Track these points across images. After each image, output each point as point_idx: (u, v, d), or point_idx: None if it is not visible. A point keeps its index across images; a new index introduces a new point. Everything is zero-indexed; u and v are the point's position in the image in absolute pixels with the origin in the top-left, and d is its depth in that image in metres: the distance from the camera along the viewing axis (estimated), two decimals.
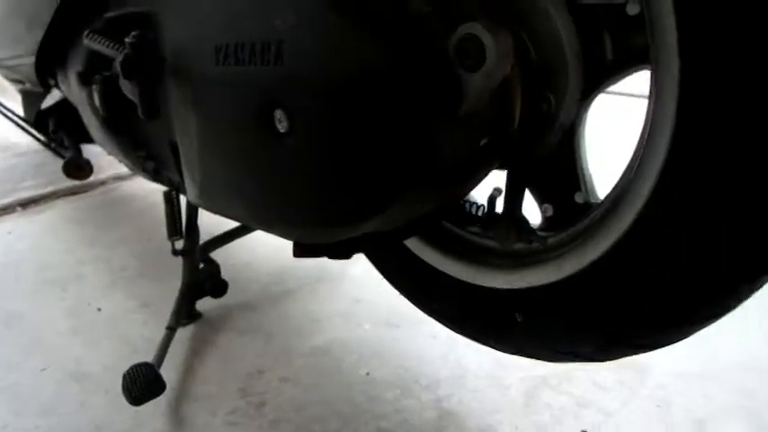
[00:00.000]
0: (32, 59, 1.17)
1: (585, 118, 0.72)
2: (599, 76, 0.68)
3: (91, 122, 1.13)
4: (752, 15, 0.46)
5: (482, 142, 0.65)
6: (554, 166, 0.74)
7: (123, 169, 2.12)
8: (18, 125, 1.52)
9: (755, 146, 0.49)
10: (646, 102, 0.60)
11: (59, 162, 1.49)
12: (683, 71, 0.52)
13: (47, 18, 1.01)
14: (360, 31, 0.57)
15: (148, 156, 1.10)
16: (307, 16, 0.59)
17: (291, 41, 0.61)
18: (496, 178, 0.76)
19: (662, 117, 0.56)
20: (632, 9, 0.62)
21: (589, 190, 0.72)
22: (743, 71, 0.48)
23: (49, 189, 2.12)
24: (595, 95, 0.70)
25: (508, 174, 0.76)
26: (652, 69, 0.58)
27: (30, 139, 1.72)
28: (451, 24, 0.57)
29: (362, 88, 0.58)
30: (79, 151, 1.53)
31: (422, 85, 0.57)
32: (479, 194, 0.80)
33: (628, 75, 0.67)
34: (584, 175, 0.72)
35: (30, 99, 1.58)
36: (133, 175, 2.02)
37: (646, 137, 0.59)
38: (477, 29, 0.54)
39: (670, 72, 0.54)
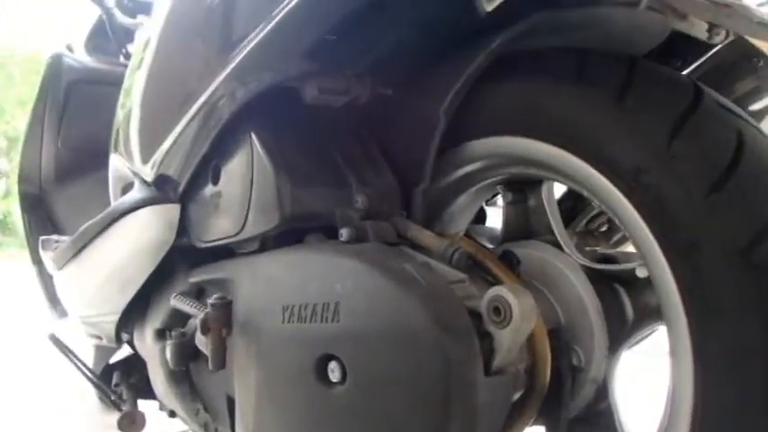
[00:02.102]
0: (115, 318, 1.32)
1: (615, 374, 0.78)
2: (622, 332, 0.75)
3: (157, 374, 1.23)
4: None
5: (515, 396, 0.71)
6: (590, 424, 0.78)
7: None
8: (85, 375, 1.63)
9: None
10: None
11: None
12: (692, 329, 0.59)
13: (139, 282, 1.18)
14: (406, 294, 0.67)
15: (204, 408, 1.18)
16: (362, 281, 0.71)
17: (348, 302, 0.72)
18: None
19: (682, 376, 0.61)
20: (641, 272, 0.72)
21: None
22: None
23: None
24: (622, 350, 0.77)
25: (546, 430, 0.80)
26: (667, 327, 0.64)
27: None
28: (483, 288, 0.67)
29: (407, 343, 0.67)
30: (136, 406, 1.61)
31: (460, 339, 0.65)
32: None
33: (649, 331, 0.75)
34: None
35: (100, 353, 1.71)
36: None
37: (670, 397, 0.64)
38: (503, 291, 0.64)
39: (680, 330, 0.60)
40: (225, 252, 1.04)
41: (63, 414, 2.51)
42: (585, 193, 0.73)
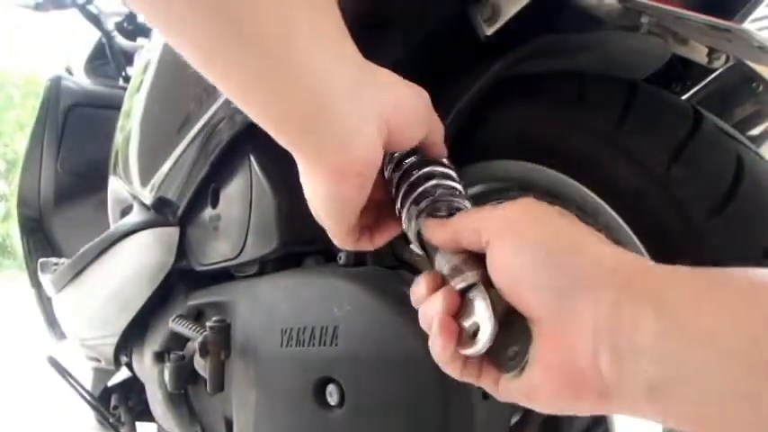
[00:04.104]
0: (114, 340, 1.32)
1: None
2: None
3: (155, 397, 1.22)
4: None
5: (513, 420, 0.71)
6: None
7: None
8: (83, 398, 1.62)
9: None
10: None
11: None
12: None
13: (138, 305, 1.18)
14: (405, 317, 0.67)
15: (202, 431, 1.16)
16: (361, 305, 0.71)
17: (346, 326, 0.72)
18: None
19: None
20: None
21: None
22: None
23: None
24: None
25: None
26: None
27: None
28: None
29: (405, 366, 0.67)
30: (134, 428, 1.60)
31: None
32: None
33: None
34: None
35: (99, 376, 1.70)
36: None
37: None
38: None
39: None
40: (224, 275, 1.04)
41: (63, 414, 2.50)
42: (585, 217, 0.73)
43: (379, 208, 0.52)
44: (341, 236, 0.50)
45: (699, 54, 0.73)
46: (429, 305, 0.42)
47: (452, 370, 0.42)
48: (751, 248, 0.56)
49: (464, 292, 0.41)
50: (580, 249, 0.37)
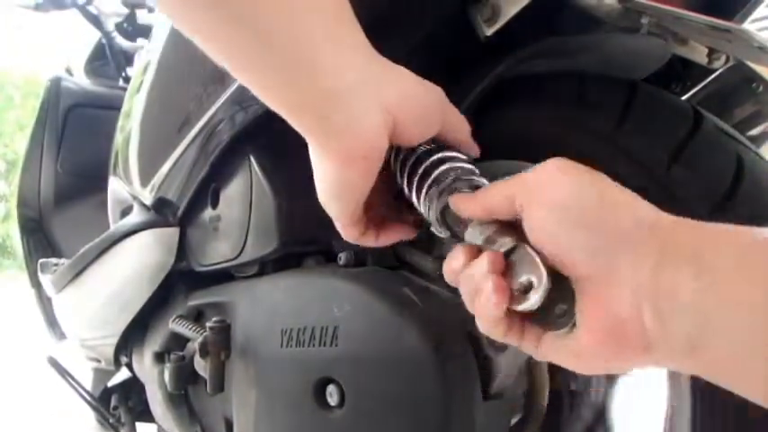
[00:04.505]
0: (114, 340, 1.32)
1: (613, 398, 0.77)
2: None
3: (155, 397, 1.22)
4: None
5: (513, 421, 0.71)
6: None
7: None
8: (83, 398, 1.63)
9: None
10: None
11: None
12: None
13: (138, 305, 1.18)
14: (405, 318, 0.67)
15: (202, 430, 1.16)
16: (361, 305, 0.71)
17: (346, 326, 0.72)
18: None
19: (679, 400, 0.61)
20: None
21: None
22: None
23: None
24: (620, 374, 0.76)
25: None
26: None
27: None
28: None
29: (406, 367, 0.67)
30: (134, 429, 1.60)
31: (458, 364, 0.65)
32: None
33: None
34: None
35: (99, 376, 1.70)
36: None
37: (668, 422, 0.63)
38: None
39: None
40: (224, 275, 1.04)
41: (63, 414, 2.50)
42: None
43: (386, 208, 0.54)
44: (345, 224, 0.52)
45: (699, 54, 0.73)
46: (473, 269, 0.42)
47: (497, 331, 0.42)
48: None
49: (506, 256, 0.42)
50: (617, 207, 0.38)
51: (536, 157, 0.71)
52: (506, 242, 0.42)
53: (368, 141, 0.46)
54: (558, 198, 0.39)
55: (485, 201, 0.44)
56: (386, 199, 0.53)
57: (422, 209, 0.50)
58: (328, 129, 0.46)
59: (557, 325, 0.40)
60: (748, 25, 0.53)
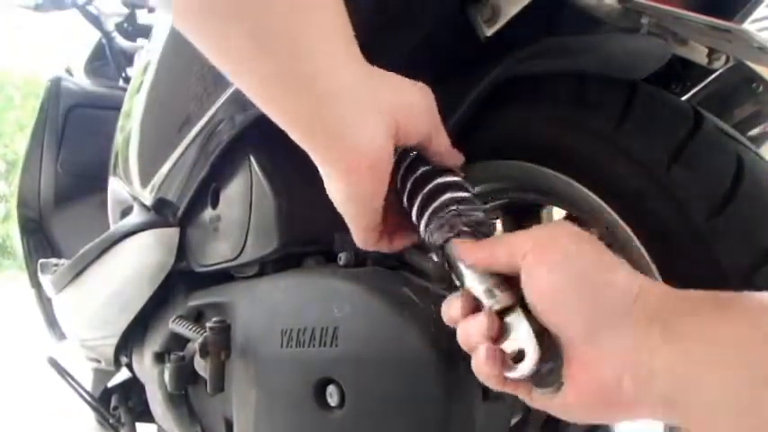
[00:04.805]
0: (114, 341, 1.32)
1: None
2: None
3: (155, 397, 1.22)
4: None
5: (513, 422, 0.71)
6: None
7: None
8: (83, 399, 1.63)
9: None
10: None
11: None
12: None
13: (138, 305, 1.18)
14: (405, 318, 0.67)
15: (202, 431, 1.16)
16: (361, 305, 0.71)
17: (346, 326, 0.72)
18: None
19: None
20: None
21: None
22: None
23: None
24: None
25: None
26: None
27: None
28: None
29: (406, 367, 0.66)
30: (134, 429, 1.60)
31: (458, 364, 0.65)
32: None
33: None
34: None
35: (99, 377, 1.70)
36: None
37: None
38: None
39: None
40: (224, 276, 1.04)
41: (63, 414, 2.50)
42: (585, 218, 0.73)
43: (399, 214, 0.54)
44: (363, 234, 0.53)
45: (699, 55, 0.73)
46: (470, 328, 0.45)
47: (492, 384, 0.45)
48: (751, 249, 0.56)
49: (501, 314, 0.44)
50: (611, 278, 0.41)
51: (535, 157, 0.71)
52: (504, 299, 0.44)
53: (372, 152, 0.46)
54: (560, 260, 0.41)
55: (488, 254, 0.45)
56: (396, 203, 0.54)
57: (423, 235, 0.51)
58: (329, 143, 0.46)
59: (544, 383, 0.42)
60: (748, 25, 0.53)
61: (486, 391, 0.65)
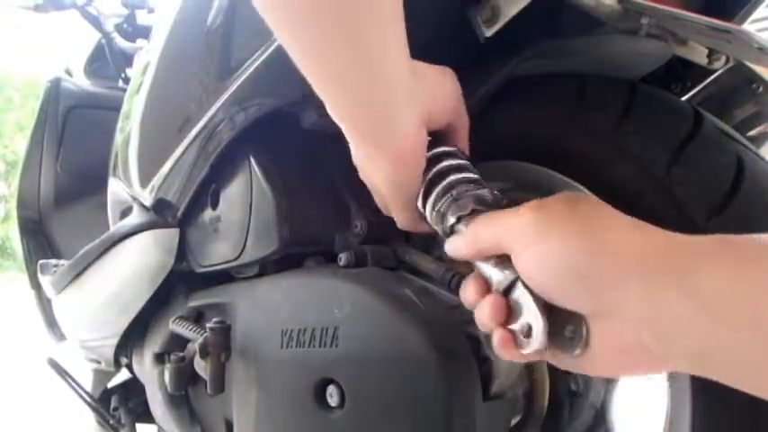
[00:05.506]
0: (114, 341, 1.32)
1: (613, 399, 0.77)
2: None
3: (155, 398, 1.22)
4: None
5: (514, 422, 0.71)
6: None
7: None
8: (83, 399, 1.63)
9: None
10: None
11: None
12: None
13: (138, 306, 1.18)
14: (405, 318, 0.67)
15: (202, 431, 1.16)
16: (361, 306, 0.71)
17: (347, 327, 0.72)
18: None
19: (679, 400, 0.61)
20: None
21: None
22: None
23: None
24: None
25: None
26: None
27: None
28: None
29: (406, 368, 0.66)
30: (134, 430, 1.60)
31: (458, 364, 0.65)
32: None
33: None
34: None
35: (99, 377, 1.70)
36: None
37: (668, 422, 0.64)
38: None
39: None
40: (224, 276, 1.04)
41: (63, 414, 2.50)
42: None
43: None
44: (402, 214, 0.58)
45: (699, 55, 0.73)
46: (481, 312, 0.46)
47: (520, 360, 0.46)
48: None
49: (507, 292, 0.44)
50: (597, 249, 0.40)
51: (535, 157, 0.71)
52: (505, 277, 0.44)
53: (417, 143, 0.52)
54: (544, 257, 0.41)
55: (476, 250, 0.47)
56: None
57: (429, 218, 0.54)
58: (384, 135, 0.51)
59: (568, 347, 0.42)
60: (748, 26, 0.53)
61: (486, 390, 0.65)
